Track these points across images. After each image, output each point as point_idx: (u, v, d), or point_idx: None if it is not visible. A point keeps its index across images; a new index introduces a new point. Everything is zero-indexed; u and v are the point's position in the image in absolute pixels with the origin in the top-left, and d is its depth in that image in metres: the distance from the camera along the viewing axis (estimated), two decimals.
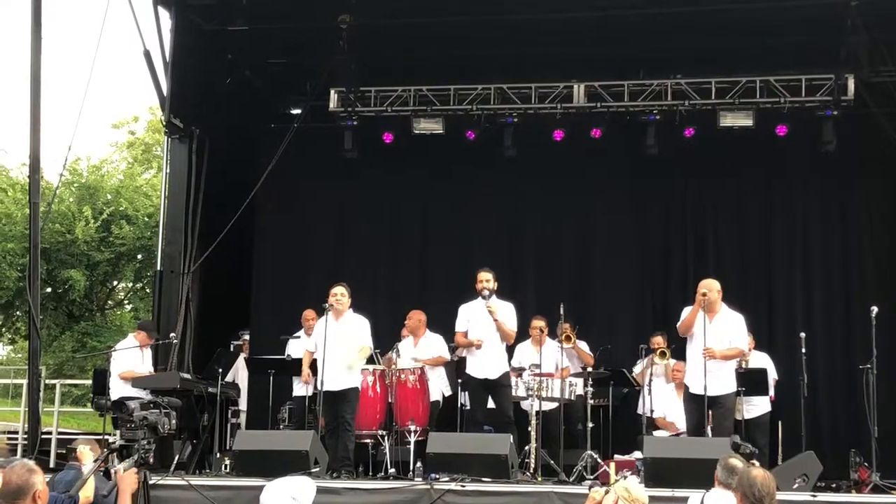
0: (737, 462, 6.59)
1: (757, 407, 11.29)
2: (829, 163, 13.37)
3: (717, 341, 9.94)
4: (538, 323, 11.70)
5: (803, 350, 11.51)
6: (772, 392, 11.51)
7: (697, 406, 9.96)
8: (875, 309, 10.68)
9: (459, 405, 11.88)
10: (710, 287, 10.10)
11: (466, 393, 11.79)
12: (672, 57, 13.50)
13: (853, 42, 12.24)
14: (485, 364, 10.74)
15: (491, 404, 10.88)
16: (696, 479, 7.50)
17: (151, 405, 6.67)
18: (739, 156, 13.63)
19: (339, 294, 10.60)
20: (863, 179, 13.74)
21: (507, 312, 10.81)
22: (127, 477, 5.66)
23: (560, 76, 13.65)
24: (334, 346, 10.46)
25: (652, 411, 11.40)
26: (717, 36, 12.93)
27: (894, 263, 13.53)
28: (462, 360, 11.84)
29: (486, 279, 10.77)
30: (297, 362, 11.70)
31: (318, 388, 10.52)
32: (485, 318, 10.75)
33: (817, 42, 12.77)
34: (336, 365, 10.47)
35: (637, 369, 12.06)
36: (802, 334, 11.66)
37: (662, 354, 11.57)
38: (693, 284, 12.43)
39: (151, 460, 6.27)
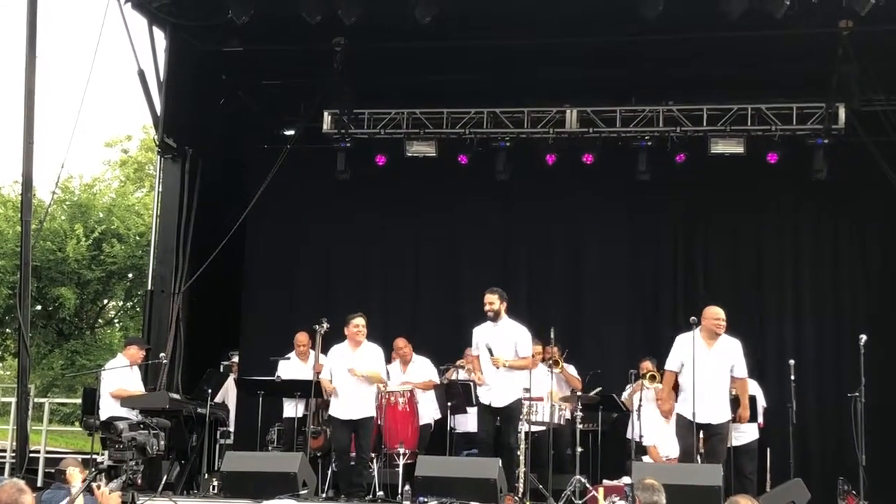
0: (650, 480, 6.72)
1: (745, 434, 11.28)
2: (820, 190, 13.42)
3: (718, 368, 9.95)
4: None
5: (792, 377, 11.52)
6: (761, 419, 11.51)
7: (692, 432, 9.95)
8: (864, 337, 10.70)
9: (449, 429, 11.86)
10: (722, 316, 10.10)
11: (456, 417, 11.83)
12: (664, 83, 13.56)
13: (844, 71, 12.30)
14: (492, 391, 10.68)
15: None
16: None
17: (140, 426, 6.69)
18: (730, 182, 13.67)
19: (361, 325, 10.82)
20: (854, 207, 13.77)
21: (519, 339, 10.68)
22: (111, 499, 5.66)
23: (553, 101, 13.72)
24: (351, 375, 10.63)
25: (641, 437, 11.39)
26: (709, 63, 13.01)
27: (885, 292, 13.55)
28: (452, 384, 11.88)
29: (489, 301, 10.72)
30: (287, 384, 11.76)
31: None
32: (493, 340, 10.69)
33: (809, 71, 12.85)
34: (353, 393, 10.63)
35: (626, 394, 12.06)
36: (792, 361, 11.66)
37: (652, 378, 11.57)
38: (684, 310, 12.56)
39: (139, 481, 6.29)
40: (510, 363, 10.54)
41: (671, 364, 10.26)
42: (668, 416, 10.30)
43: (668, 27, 11.87)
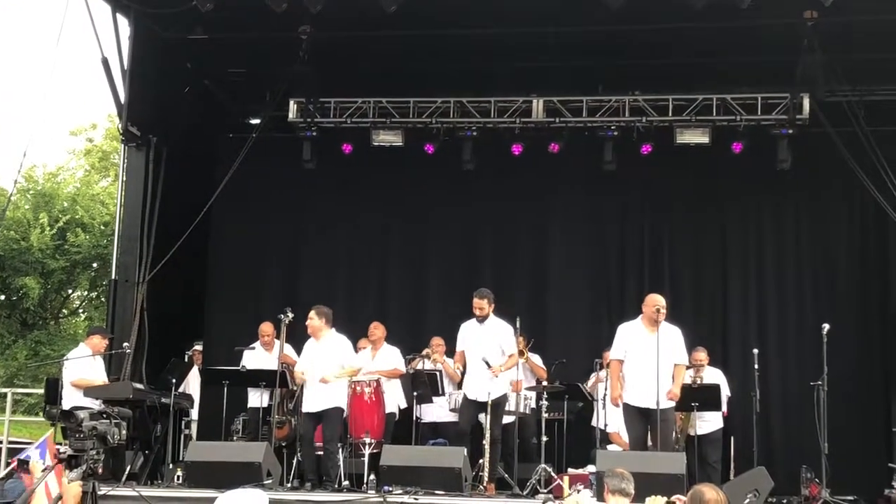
0: (625, 471, 6.90)
1: (709, 423, 11.36)
2: (784, 180, 13.48)
3: (662, 354, 10.02)
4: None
5: (756, 366, 11.61)
6: (724, 408, 11.59)
7: (640, 420, 10.04)
8: (826, 326, 10.80)
9: (415, 418, 11.88)
10: (663, 304, 10.19)
11: (422, 406, 11.84)
12: (630, 73, 13.58)
13: (809, 62, 12.36)
14: (476, 385, 10.82)
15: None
16: (650, 493, 7.52)
17: (102, 415, 6.63)
18: (696, 172, 13.74)
19: (308, 317, 10.84)
20: (817, 197, 13.87)
21: (504, 338, 10.87)
22: (71, 488, 5.61)
23: (519, 91, 13.71)
24: (314, 367, 10.71)
25: (606, 425, 11.44)
26: (675, 53, 13.04)
27: (847, 281, 13.66)
28: (418, 373, 11.89)
29: (480, 306, 10.87)
30: (252, 374, 11.75)
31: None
32: (479, 339, 10.87)
33: (773, 61, 12.90)
34: (315, 386, 10.66)
35: (589, 384, 12.10)
36: (755, 350, 11.77)
37: None
38: None
39: (100, 471, 6.24)
40: (505, 367, 10.72)
41: (615, 353, 10.35)
42: (615, 402, 10.35)
43: (634, 17, 11.90)
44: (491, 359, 10.68)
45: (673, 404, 10.15)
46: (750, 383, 11.74)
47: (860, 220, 13.70)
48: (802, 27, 12.06)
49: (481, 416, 10.89)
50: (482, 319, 10.88)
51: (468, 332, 11.01)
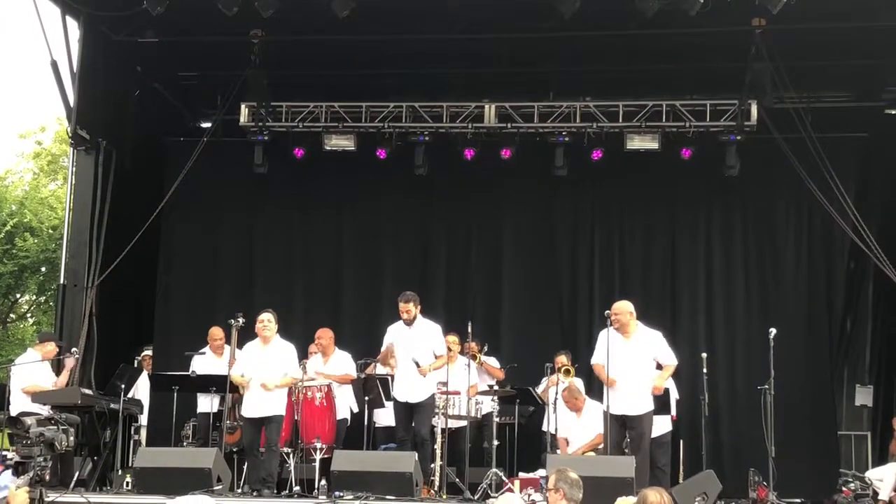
0: (575, 475, 6.81)
1: (658, 426, 11.40)
2: (732, 186, 13.62)
3: (635, 360, 10.09)
4: (449, 339, 11.72)
5: (705, 370, 11.71)
6: (674, 411, 11.67)
7: (618, 426, 10.10)
8: (773, 331, 10.89)
9: (367, 423, 11.86)
10: (621, 310, 10.26)
11: (376, 411, 11.83)
12: (581, 80, 13.69)
13: (757, 69, 12.52)
14: (405, 387, 10.82)
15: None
16: (598, 496, 7.59)
17: (49, 421, 6.58)
18: (646, 178, 13.84)
19: (266, 321, 10.71)
20: (765, 203, 14.00)
21: (434, 339, 10.91)
22: (18, 495, 5.57)
23: (471, 96, 13.76)
24: (260, 372, 10.58)
25: (557, 430, 11.49)
26: (626, 60, 13.16)
27: (794, 285, 13.81)
28: (369, 378, 11.87)
29: (407, 310, 10.85)
30: (202, 379, 11.67)
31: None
32: (407, 341, 10.86)
33: (722, 68, 13.07)
34: (260, 392, 10.57)
35: (541, 387, 12.16)
36: (704, 354, 11.86)
37: (567, 372, 11.68)
38: (600, 304, 12.73)
39: (48, 477, 6.19)
40: (433, 367, 10.73)
41: (596, 358, 10.40)
42: (612, 385, 10.28)
43: (585, 24, 11.99)
44: (421, 360, 10.70)
45: (650, 409, 10.23)
46: (698, 387, 11.83)
47: (807, 225, 13.85)
48: (751, 35, 12.23)
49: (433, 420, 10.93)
50: (410, 322, 10.90)
51: (397, 334, 11.02)
